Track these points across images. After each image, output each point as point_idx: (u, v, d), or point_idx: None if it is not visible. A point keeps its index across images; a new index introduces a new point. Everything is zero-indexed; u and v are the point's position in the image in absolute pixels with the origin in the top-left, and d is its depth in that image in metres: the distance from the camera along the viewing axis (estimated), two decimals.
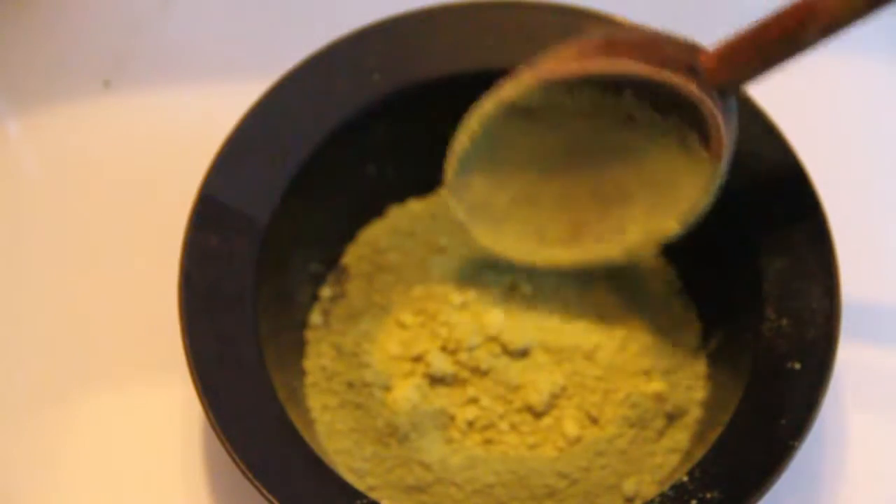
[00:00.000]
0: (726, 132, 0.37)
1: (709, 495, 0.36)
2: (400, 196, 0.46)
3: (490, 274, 0.43)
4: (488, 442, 0.41)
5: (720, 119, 0.36)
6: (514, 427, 0.41)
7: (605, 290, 0.44)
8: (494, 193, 0.41)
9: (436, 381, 0.41)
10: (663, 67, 0.36)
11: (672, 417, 0.42)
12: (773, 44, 0.35)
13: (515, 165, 0.41)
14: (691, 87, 0.36)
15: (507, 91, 0.39)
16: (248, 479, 0.35)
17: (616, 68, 0.37)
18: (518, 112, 0.39)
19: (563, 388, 0.42)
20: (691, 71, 0.36)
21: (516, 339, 0.42)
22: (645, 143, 0.39)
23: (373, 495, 0.38)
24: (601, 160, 0.40)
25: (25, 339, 0.46)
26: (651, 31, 0.38)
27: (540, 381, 0.41)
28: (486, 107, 0.39)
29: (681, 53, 0.37)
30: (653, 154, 0.39)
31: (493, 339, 0.42)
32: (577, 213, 0.41)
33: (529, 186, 0.41)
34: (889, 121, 0.51)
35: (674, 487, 0.36)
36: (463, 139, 0.40)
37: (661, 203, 0.39)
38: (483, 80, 0.40)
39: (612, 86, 0.37)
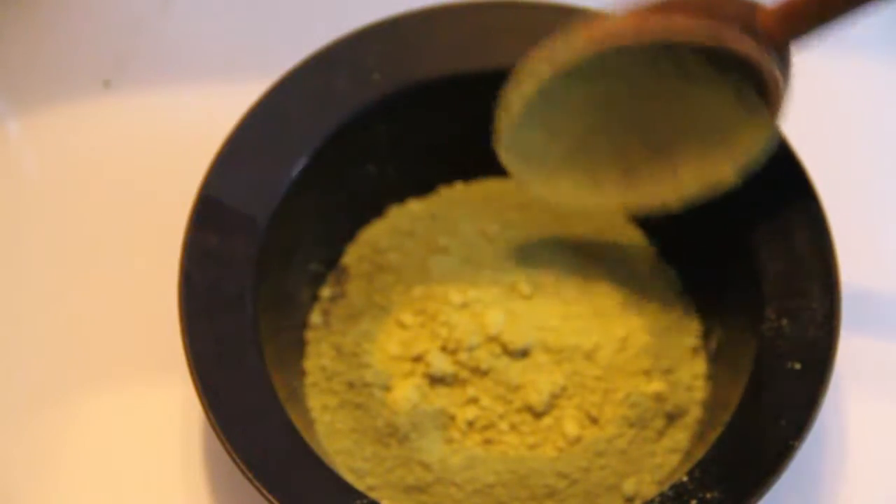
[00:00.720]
0: (784, 87, 0.36)
1: (709, 495, 0.36)
2: (400, 196, 0.46)
3: (490, 274, 0.43)
4: (488, 442, 0.41)
5: (779, 76, 0.36)
6: (514, 427, 0.41)
7: (605, 289, 0.44)
8: (548, 146, 0.41)
9: (436, 381, 0.41)
10: (721, 28, 0.35)
11: (672, 417, 0.42)
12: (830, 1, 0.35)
13: (568, 117, 0.40)
14: (750, 50, 0.35)
15: (562, 55, 0.38)
16: (248, 478, 0.35)
17: (672, 34, 0.36)
18: (570, 72, 0.38)
19: (563, 388, 0.42)
20: (750, 30, 0.36)
21: (516, 339, 0.42)
22: (700, 93, 0.38)
23: (373, 495, 0.38)
24: (654, 108, 0.39)
25: (25, 339, 0.46)
26: None
27: (540, 381, 0.41)
28: (541, 71, 0.38)
29: (740, 12, 0.36)
30: (708, 105, 0.38)
31: (493, 339, 0.42)
32: (630, 158, 0.40)
33: (582, 136, 0.41)
34: (889, 120, 0.51)
35: (673, 487, 0.36)
36: (517, 103, 0.39)
37: (713, 151, 0.39)
38: (483, 80, 0.40)
39: (671, 48, 0.37)
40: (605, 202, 0.41)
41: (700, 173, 0.39)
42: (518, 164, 0.41)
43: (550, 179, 0.41)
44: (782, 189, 0.41)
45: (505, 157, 0.41)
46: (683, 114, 0.39)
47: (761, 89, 0.36)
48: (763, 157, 0.38)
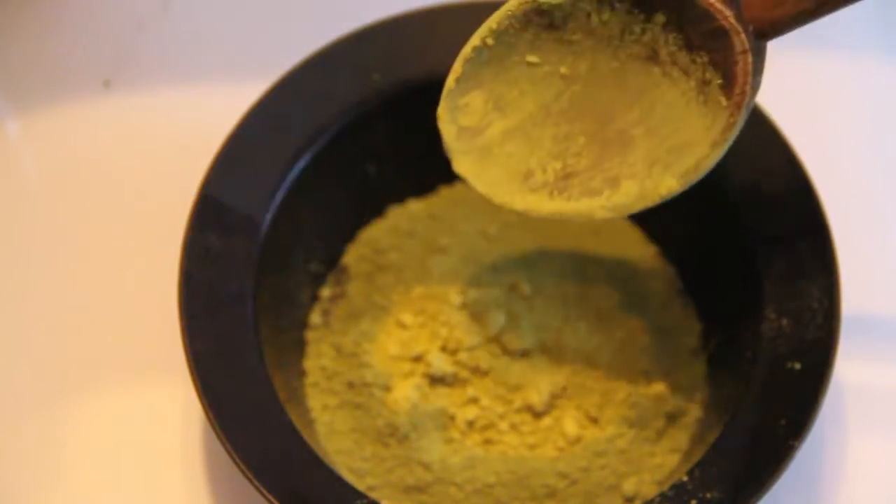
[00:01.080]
0: (752, 80, 0.34)
1: (708, 495, 0.36)
2: (400, 196, 0.46)
3: (490, 274, 0.43)
4: (488, 442, 0.41)
5: (749, 59, 0.34)
6: (513, 427, 0.41)
7: (604, 290, 0.44)
8: (490, 119, 0.38)
9: (436, 381, 0.41)
10: None
11: (672, 418, 0.42)
12: None
13: (521, 91, 0.38)
14: (727, 14, 0.34)
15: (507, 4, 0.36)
16: (248, 478, 0.36)
17: None
18: (539, 22, 0.36)
19: (563, 389, 0.42)
20: (732, 2, 0.34)
21: (516, 339, 0.42)
22: (662, 83, 0.36)
23: (373, 495, 0.38)
24: (611, 99, 0.37)
25: (25, 339, 0.46)
26: None
27: (540, 381, 0.41)
28: (511, 2, 0.36)
29: None
30: (668, 97, 0.36)
31: (493, 339, 0.42)
32: (572, 159, 0.38)
33: (529, 119, 0.38)
34: (889, 121, 0.51)
35: (673, 487, 0.36)
36: (476, 37, 0.37)
37: (664, 156, 0.36)
38: None
39: (646, 4, 0.35)
40: (529, 204, 0.38)
41: (643, 182, 0.37)
42: (453, 132, 0.38)
43: (481, 159, 0.38)
44: (783, 189, 0.41)
45: (442, 117, 0.38)
46: (641, 108, 0.37)
47: (728, 80, 0.35)
48: (709, 170, 0.36)
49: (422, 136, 0.44)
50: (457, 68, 0.37)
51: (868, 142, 0.50)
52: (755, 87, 0.35)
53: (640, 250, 0.45)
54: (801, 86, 0.41)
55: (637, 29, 0.36)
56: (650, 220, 0.45)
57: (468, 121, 0.38)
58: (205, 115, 0.47)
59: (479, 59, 0.37)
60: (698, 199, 0.42)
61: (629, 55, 0.36)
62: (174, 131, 0.50)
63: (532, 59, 0.37)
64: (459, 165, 0.38)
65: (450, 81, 0.37)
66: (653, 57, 0.36)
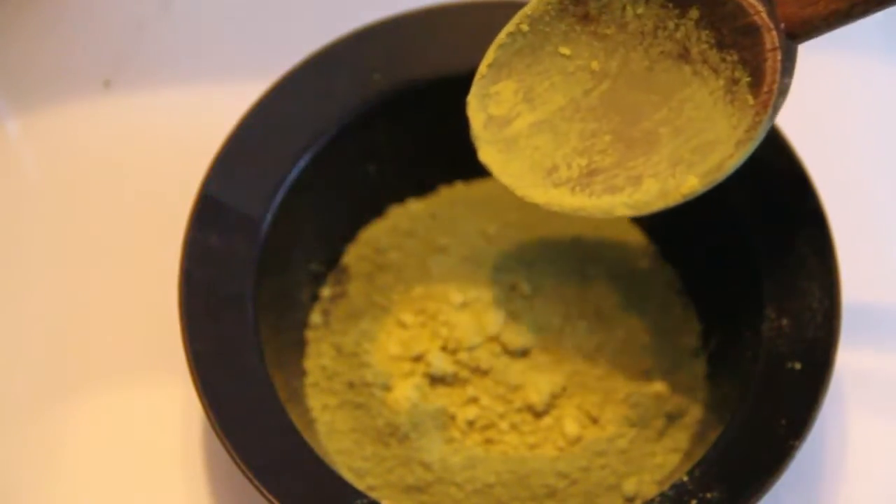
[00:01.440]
0: (780, 80, 0.34)
1: (709, 495, 0.36)
2: (400, 196, 0.46)
3: (490, 274, 0.43)
4: (488, 441, 0.41)
5: (779, 58, 0.34)
6: (514, 427, 0.41)
7: (605, 289, 0.44)
8: (519, 110, 0.38)
9: (436, 380, 0.41)
10: None
11: (672, 417, 0.42)
12: None
13: (551, 84, 0.38)
14: (759, 9, 0.34)
15: None
16: (249, 478, 0.35)
17: None
18: (575, 12, 0.36)
19: (564, 389, 0.42)
20: (765, 1, 0.34)
21: (516, 338, 0.42)
22: (692, 82, 0.36)
23: (373, 495, 0.38)
24: (640, 98, 0.37)
25: (25, 339, 0.46)
26: None
27: (540, 381, 0.41)
28: (521, 13, 0.36)
29: None
30: (696, 97, 0.36)
31: (493, 338, 0.42)
32: (597, 156, 0.38)
33: (557, 113, 0.38)
34: (890, 120, 0.51)
35: (674, 487, 0.36)
36: (511, 24, 0.37)
37: (688, 155, 0.36)
38: None
39: (679, 1, 0.35)
40: (552, 198, 0.38)
41: (665, 181, 0.37)
42: (480, 120, 0.38)
43: (506, 150, 0.38)
44: (783, 188, 0.41)
45: (470, 105, 0.38)
46: (669, 107, 0.37)
47: (757, 80, 0.35)
48: (734, 169, 0.36)
49: (422, 136, 0.44)
50: (490, 54, 0.37)
51: (869, 141, 0.50)
52: (783, 89, 0.35)
53: (640, 250, 0.45)
54: (801, 85, 0.40)
55: (671, 25, 0.36)
56: (650, 220, 0.45)
57: (497, 110, 0.38)
58: (205, 114, 0.47)
59: (513, 46, 0.37)
60: (699, 200, 0.42)
61: (660, 53, 0.36)
62: (174, 131, 0.50)
63: (565, 50, 0.37)
64: (485, 155, 0.38)
65: (482, 68, 0.37)
66: (684, 55, 0.36)
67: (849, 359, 0.42)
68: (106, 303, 0.46)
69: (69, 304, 0.46)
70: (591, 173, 0.37)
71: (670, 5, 0.35)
